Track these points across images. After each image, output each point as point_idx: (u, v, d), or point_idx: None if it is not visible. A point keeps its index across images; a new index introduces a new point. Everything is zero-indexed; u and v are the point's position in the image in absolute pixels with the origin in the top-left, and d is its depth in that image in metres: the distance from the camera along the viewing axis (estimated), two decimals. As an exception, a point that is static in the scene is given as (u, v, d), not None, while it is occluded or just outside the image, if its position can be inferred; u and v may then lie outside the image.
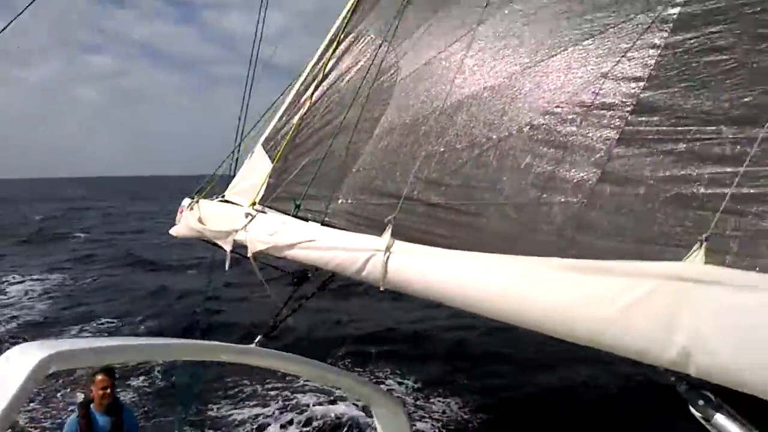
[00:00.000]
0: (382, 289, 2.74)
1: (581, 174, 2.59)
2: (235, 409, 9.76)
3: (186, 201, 4.54)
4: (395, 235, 2.85)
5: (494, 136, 3.06)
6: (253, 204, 4.16)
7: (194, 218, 4.25)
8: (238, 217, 3.92)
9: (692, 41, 2.40)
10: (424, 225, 3.06)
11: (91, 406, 5.10)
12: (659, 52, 2.49)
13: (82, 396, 5.49)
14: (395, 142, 3.62)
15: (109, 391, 5.01)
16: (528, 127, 2.92)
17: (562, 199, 2.61)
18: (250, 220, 3.74)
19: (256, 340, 3.55)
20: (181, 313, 15.52)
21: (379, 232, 3.04)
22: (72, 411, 5.16)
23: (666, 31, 2.49)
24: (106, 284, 21.22)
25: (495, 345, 11.41)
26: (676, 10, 2.48)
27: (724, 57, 2.28)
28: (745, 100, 2.14)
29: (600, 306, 1.74)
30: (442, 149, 3.28)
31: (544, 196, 2.69)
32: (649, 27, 2.56)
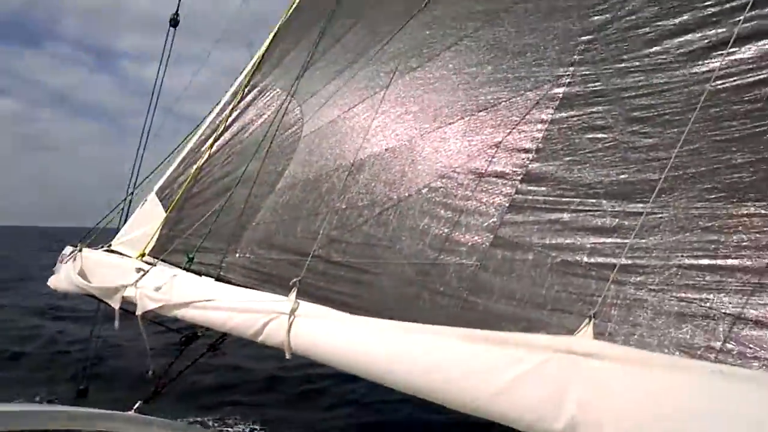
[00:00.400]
0: (288, 356, 2.63)
1: (476, 237, 2.68)
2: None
3: (67, 249, 4.23)
4: (299, 294, 2.79)
5: (395, 196, 3.12)
6: (142, 255, 3.94)
7: (75, 270, 3.95)
8: (128, 270, 3.69)
9: (575, 119, 2.59)
10: (326, 283, 3.04)
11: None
12: (546, 126, 2.67)
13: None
14: (297, 197, 3.60)
15: None
16: (426, 189, 3.01)
17: (458, 261, 2.69)
18: (142, 276, 3.53)
19: (135, 406, 3.30)
20: (63, 366, 14.28)
21: (279, 288, 2.97)
22: None
23: (552, 108, 2.68)
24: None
25: (353, 391, 11.54)
26: (561, 90, 2.68)
27: (603, 135, 2.48)
28: (622, 177, 2.33)
29: (492, 377, 1.78)
30: (344, 206, 3.29)
31: (441, 257, 2.76)
32: (537, 103, 2.75)
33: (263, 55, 4.58)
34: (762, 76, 2.19)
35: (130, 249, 4.11)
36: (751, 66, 2.23)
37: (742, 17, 2.25)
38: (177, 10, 5.05)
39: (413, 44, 3.52)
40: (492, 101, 2.92)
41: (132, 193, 4.56)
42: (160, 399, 3.45)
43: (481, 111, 2.95)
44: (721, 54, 2.26)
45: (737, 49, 2.23)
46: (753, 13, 2.26)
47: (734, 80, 2.21)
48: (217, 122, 4.42)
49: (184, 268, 3.65)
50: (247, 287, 3.21)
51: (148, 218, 4.26)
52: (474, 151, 2.91)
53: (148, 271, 3.59)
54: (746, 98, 2.19)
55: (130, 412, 2.90)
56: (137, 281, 3.52)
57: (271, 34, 4.66)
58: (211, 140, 4.34)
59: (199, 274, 3.61)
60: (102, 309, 4.59)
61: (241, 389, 12.09)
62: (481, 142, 2.89)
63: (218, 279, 3.52)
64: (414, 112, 3.26)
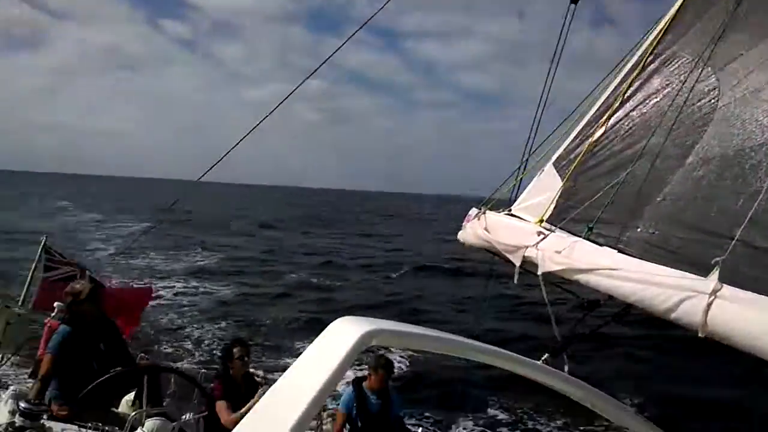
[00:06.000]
0: (701, 335, 2.60)
1: None
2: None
3: (473, 210, 4.80)
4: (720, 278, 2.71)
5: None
6: (541, 221, 4.25)
7: (481, 227, 4.48)
8: (528, 232, 4.05)
9: None
10: (750, 268, 2.86)
11: (364, 384, 5.70)
12: None
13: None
14: (713, 174, 3.43)
15: (383, 384, 5.61)
16: None
17: None
18: (543, 239, 3.83)
19: (543, 358, 3.62)
20: (456, 318, 16.62)
21: (688, 267, 2.92)
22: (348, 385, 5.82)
23: None
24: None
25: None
26: None
27: None
28: None
29: None
30: (772, 187, 3.04)
31: None
32: None
33: (669, 21, 4.39)
34: None
35: (528, 214, 4.48)
36: None
37: None
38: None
39: None
40: None
41: (525, 167, 4.90)
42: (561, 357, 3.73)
43: None
44: None
45: None
46: None
47: None
48: (617, 93, 4.43)
49: (584, 237, 3.82)
50: (651, 262, 3.21)
51: (546, 187, 4.55)
52: None
53: (548, 235, 3.86)
54: None
55: (538, 362, 3.21)
56: (538, 243, 3.83)
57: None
58: (610, 111, 4.38)
59: (598, 244, 3.73)
60: (498, 266, 5.15)
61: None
62: None
63: (619, 251, 3.60)
64: None
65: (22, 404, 3.40)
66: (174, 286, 23.78)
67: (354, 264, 32.61)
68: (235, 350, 5.31)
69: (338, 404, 5.85)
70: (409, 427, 6.58)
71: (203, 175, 6.68)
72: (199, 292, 23.08)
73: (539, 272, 3.71)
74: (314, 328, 16.37)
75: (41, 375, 4.66)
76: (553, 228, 4.07)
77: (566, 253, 3.62)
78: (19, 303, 5.65)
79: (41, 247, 6.32)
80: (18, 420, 3.32)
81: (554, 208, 4.31)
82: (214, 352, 14.19)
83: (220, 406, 4.95)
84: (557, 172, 4.58)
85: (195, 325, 17.52)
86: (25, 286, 6.02)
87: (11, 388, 4.95)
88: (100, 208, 61.80)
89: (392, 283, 26.80)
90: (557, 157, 4.69)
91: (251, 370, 5.79)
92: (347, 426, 5.69)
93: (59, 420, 3.69)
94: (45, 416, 3.48)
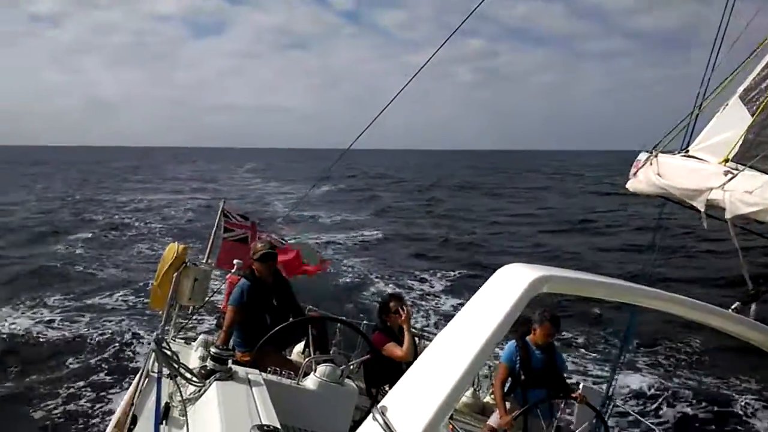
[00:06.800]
0: None
1: None
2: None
3: (642, 155, 4.39)
4: None
5: None
6: (726, 161, 3.77)
7: (654, 173, 4.09)
8: (712, 173, 3.62)
9: None
10: None
11: (528, 338, 5.56)
12: None
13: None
14: None
15: (549, 338, 5.43)
16: None
17: None
18: (730, 179, 3.40)
19: (733, 306, 3.25)
20: (618, 270, 16.04)
21: None
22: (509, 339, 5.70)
23: None
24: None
25: None
26: None
27: None
28: None
29: None
30: None
31: None
32: None
33: None
34: None
35: (709, 154, 4.00)
36: None
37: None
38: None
39: None
40: None
41: (700, 105, 4.34)
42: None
43: None
44: None
45: None
46: None
47: None
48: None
49: None
50: None
51: (731, 123, 4.02)
52: None
53: (736, 175, 3.43)
54: None
55: (727, 311, 2.87)
56: (725, 184, 3.41)
57: None
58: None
59: None
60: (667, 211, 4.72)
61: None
62: None
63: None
64: None
65: (213, 350, 3.73)
66: (336, 237, 26.24)
67: (511, 221, 32.27)
68: (391, 304, 5.44)
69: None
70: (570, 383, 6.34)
71: (354, 142, 6.98)
72: (364, 242, 25.35)
73: (727, 216, 3.32)
74: (474, 276, 16.49)
75: (226, 325, 5.14)
76: (741, 167, 3.59)
77: (760, 193, 3.20)
78: (204, 260, 6.24)
79: (220, 210, 6.89)
80: (209, 364, 3.66)
81: (741, 145, 3.79)
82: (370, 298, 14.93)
83: (390, 346, 5.19)
84: (744, 105, 4.01)
85: (357, 267, 19.06)
86: (209, 246, 6.62)
87: (200, 337, 5.52)
88: (274, 176, 68.34)
89: (551, 238, 26.07)
90: (745, 89, 4.08)
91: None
92: (509, 380, 5.59)
93: (242, 365, 4.03)
94: (230, 361, 3.79)
